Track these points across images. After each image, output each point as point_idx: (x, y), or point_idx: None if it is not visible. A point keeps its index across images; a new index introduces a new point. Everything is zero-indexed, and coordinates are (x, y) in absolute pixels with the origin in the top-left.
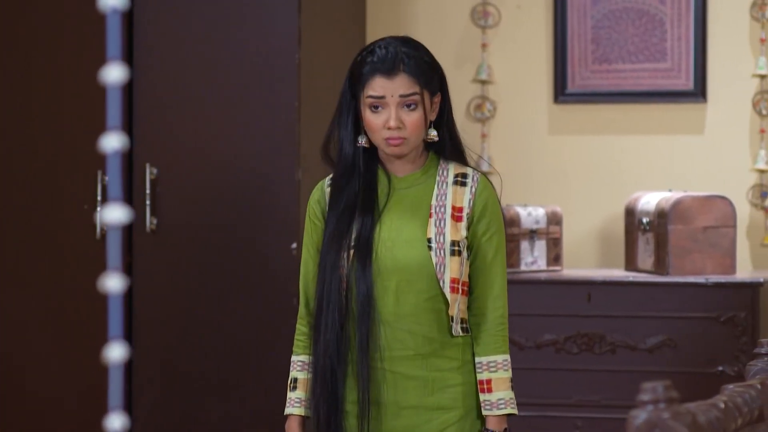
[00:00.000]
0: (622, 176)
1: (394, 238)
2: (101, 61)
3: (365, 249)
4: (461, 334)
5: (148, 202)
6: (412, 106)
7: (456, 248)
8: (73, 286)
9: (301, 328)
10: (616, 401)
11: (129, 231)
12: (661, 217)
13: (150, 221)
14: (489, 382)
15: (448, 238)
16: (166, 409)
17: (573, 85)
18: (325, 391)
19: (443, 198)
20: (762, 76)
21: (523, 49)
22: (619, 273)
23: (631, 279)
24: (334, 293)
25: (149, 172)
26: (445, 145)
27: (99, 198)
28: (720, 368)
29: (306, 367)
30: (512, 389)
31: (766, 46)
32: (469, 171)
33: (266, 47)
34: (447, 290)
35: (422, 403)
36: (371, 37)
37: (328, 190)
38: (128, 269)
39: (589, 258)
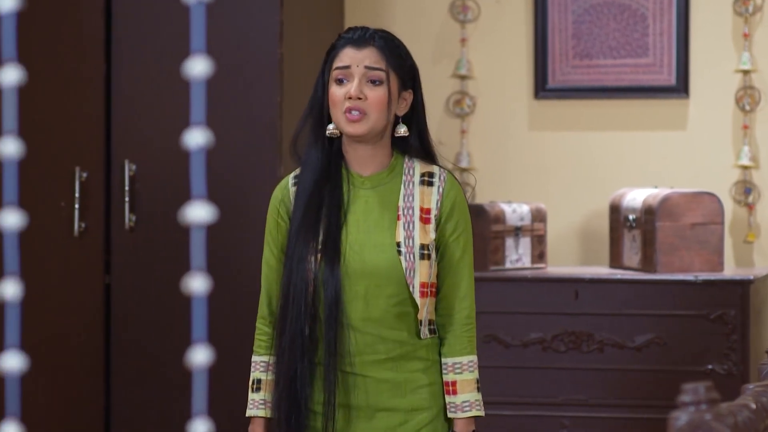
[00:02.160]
0: (603, 173)
1: (362, 241)
2: (77, 54)
3: (333, 252)
4: (429, 336)
5: (127, 199)
6: (377, 83)
7: (425, 252)
8: (51, 284)
9: (263, 327)
10: (603, 400)
11: (107, 228)
12: (649, 213)
13: (129, 218)
14: (454, 384)
15: (417, 242)
16: (145, 407)
17: (553, 80)
18: (287, 391)
19: (410, 199)
20: (745, 72)
21: (502, 44)
22: (605, 270)
23: (619, 276)
24: (300, 296)
25: (128, 169)
26: (411, 144)
27: (77, 195)
28: (709, 366)
29: (269, 368)
30: (478, 390)
31: (750, 41)
32: (435, 170)
33: (248, 41)
34: (417, 295)
35: (396, 405)
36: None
37: (293, 189)
38: (106, 267)
39: (572, 255)
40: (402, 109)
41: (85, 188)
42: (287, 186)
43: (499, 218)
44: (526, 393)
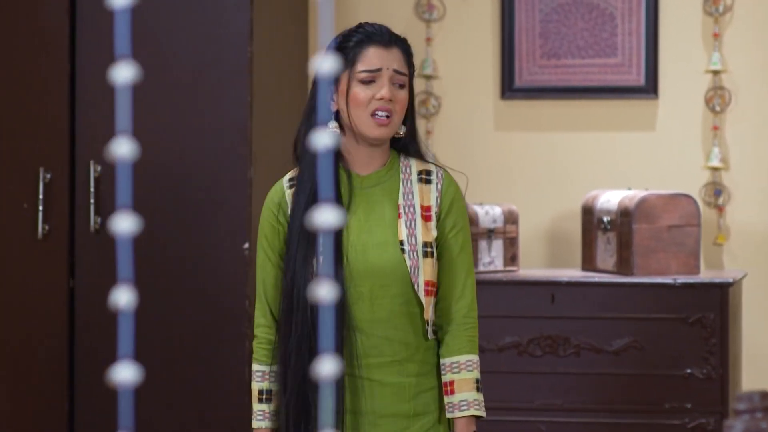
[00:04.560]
0: (570, 173)
1: (364, 241)
2: (42, 56)
3: (335, 254)
4: (432, 337)
5: (91, 201)
6: (401, 86)
7: (428, 249)
8: (13, 288)
9: (266, 336)
10: (581, 405)
11: (71, 231)
12: (625, 215)
13: (94, 221)
14: (452, 383)
15: (420, 240)
16: (108, 414)
17: (520, 80)
18: (295, 399)
19: (410, 197)
20: (715, 72)
21: (468, 44)
22: (581, 273)
23: (596, 280)
24: (304, 299)
25: (93, 170)
26: (409, 142)
27: (41, 196)
28: (688, 371)
29: (277, 378)
30: (479, 390)
31: (720, 41)
32: (432, 168)
33: (217, 40)
34: (422, 293)
35: (400, 410)
36: (314, 30)
37: (289, 191)
38: (70, 270)
39: (542, 258)
40: None
41: (49, 190)
42: (282, 189)
43: (472, 220)
44: (502, 398)
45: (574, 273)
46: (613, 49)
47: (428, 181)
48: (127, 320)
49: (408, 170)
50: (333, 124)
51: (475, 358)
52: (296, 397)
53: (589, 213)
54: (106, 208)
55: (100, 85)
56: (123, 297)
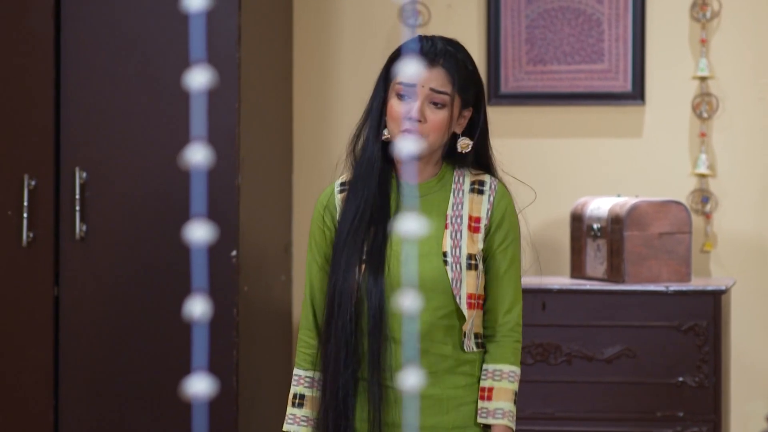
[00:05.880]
0: (556, 180)
1: (408, 250)
2: (25, 58)
3: (377, 262)
4: (475, 349)
5: (77, 208)
6: (440, 105)
7: (472, 262)
8: None
9: (308, 340)
10: (572, 413)
11: (57, 238)
12: (616, 223)
13: (79, 228)
14: (490, 390)
15: (465, 252)
16: (94, 422)
17: (506, 86)
18: (333, 407)
19: (459, 207)
20: (702, 78)
21: None
22: (571, 281)
23: (588, 287)
24: (345, 307)
25: (78, 176)
26: (466, 158)
27: (26, 203)
28: (681, 378)
29: (314, 383)
30: (514, 404)
31: (707, 47)
32: (486, 178)
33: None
34: (464, 306)
35: (439, 423)
36: (298, 36)
37: (339, 195)
38: (56, 279)
39: (528, 265)
40: (460, 127)
41: (34, 197)
42: (332, 193)
43: None
44: None
45: (563, 280)
46: (600, 55)
47: (480, 192)
48: (202, 331)
49: (461, 180)
50: (387, 133)
51: (517, 370)
52: (334, 405)
53: (578, 220)
54: (92, 215)
55: (86, 91)
56: (198, 307)
